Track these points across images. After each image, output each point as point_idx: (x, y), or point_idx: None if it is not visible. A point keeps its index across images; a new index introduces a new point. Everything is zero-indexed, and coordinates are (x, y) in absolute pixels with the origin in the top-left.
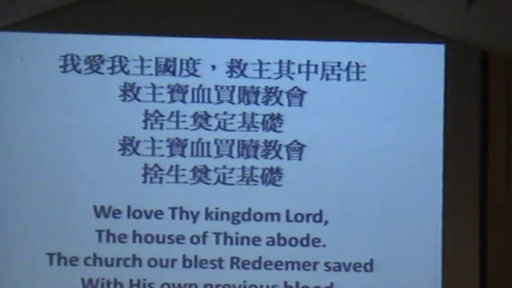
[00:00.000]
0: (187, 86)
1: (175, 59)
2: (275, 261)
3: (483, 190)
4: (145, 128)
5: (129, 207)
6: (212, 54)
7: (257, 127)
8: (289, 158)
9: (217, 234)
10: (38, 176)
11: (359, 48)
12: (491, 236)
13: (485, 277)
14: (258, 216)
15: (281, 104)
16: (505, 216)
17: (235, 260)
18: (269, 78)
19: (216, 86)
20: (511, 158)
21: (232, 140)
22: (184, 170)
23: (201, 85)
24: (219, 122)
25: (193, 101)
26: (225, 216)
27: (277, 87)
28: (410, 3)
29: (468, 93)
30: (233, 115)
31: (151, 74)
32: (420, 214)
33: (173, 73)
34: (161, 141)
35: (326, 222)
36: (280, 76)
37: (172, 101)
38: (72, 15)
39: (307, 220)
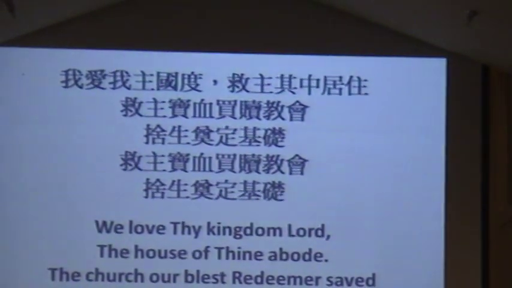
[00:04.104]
0: (188, 100)
1: (176, 73)
2: (277, 276)
3: (485, 203)
4: (147, 142)
5: (131, 222)
6: (214, 68)
7: (259, 142)
8: (291, 173)
9: (219, 249)
10: (40, 191)
11: (361, 63)
12: (492, 249)
13: (488, 286)
14: (260, 231)
15: (283, 119)
16: (507, 230)
17: (237, 275)
18: (271, 92)
19: (218, 101)
20: None
21: (234, 155)
22: (186, 184)
23: (202, 100)
24: (221, 137)
25: (194, 116)
26: (227, 231)
27: (278, 102)
28: (412, 17)
29: (469, 106)
30: (235, 130)
31: (152, 89)
32: (422, 228)
33: (175, 88)
34: (163, 156)
35: (328, 237)
36: (282, 90)
37: (174, 115)
38: (74, 30)
39: (309, 235)
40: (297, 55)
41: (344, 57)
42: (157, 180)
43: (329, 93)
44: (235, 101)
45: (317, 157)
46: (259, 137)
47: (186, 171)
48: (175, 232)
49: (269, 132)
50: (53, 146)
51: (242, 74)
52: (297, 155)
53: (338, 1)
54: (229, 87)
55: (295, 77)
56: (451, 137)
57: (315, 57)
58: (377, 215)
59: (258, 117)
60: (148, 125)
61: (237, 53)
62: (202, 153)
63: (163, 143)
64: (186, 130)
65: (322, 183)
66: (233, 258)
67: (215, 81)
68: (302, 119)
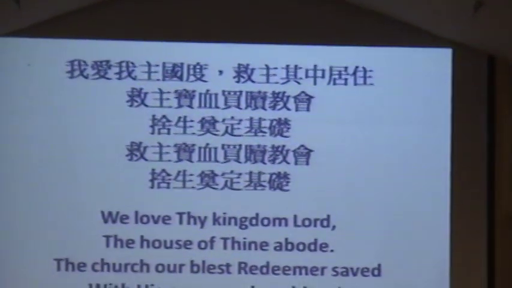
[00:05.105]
0: (194, 91)
1: (182, 64)
2: (283, 266)
3: (490, 194)
4: (152, 133)
5: (136, 212)
6: (219, 59)
7: (264, 132)
8: (296, 163)
9: (224, 239)
10: (46, 182)
11: (366, 53)
12: (499, 240)
13: (493, 282)
14: (265, 221)
15: (288, 109)
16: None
17: (242, 265)
18: (276, 83)
19: (223, 91)
20: None
21: (240, 145)
22: (191, 175)
23: (208, 90)
24: (227, 127)
25: (200, 106)
26: (232, 221)
27: (284, 92)
28: (417, 8)
29: (475, 97)
30: (240, 120)
31: (158, 79)
32: (428, 219)
33: (180, 78)
34: (168, 146)
35: (334, 227)
36: (288, 81)
37: (180, 106)
38: (79, 21)
39: (315, 225)
40: (303, 45)
41: (349, 47)
42: (163, 170)
43: (334, 83)
44: (240, 92)
45: (322, 147)
46: (264, 127)
47: (191, 162)
48: (180, 222)
49: (274, 122)
50: (58, 136)
51: (248, 65)
52: (302, 146)
53: None
54: (234, 77)
55: (300, 68)
56: (456, 128)
57: (321, 48)
58: (382, 205)
59: (263, 108)
60: (154, 116)
61: (243, 44)
62: (207, 144)
63: (168, 133)
64: (192, 120)
65: (327, 174)
66: (239, 248)
67: (221, 72)
68: (307, 110)
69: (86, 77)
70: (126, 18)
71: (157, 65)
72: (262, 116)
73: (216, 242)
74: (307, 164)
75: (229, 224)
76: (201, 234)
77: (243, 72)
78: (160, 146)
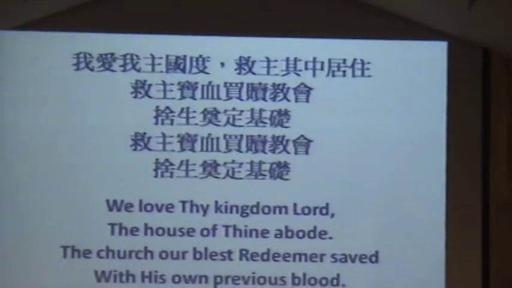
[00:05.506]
0: (197, 83)
1: (185, 56)
2: (283, 253)
3: (485, 183)
4: (156, 124)
5: (140, 201)
6: (221, 51)
7: (265, 123)
8: (296, 153)
9: (226, 227)
10: (52, 171)
11: (364, 46)
12: (493, 226)
13: (488, 266)
14: (266, 210)
15: (288, 100)
16: (507, 208)
17: (244, 252)
18: (276, 75)
19: (225, 83)
20: None
21: (241, 135)
22: (194, 164)
23: (210, 82)
24: (228, 118)
25: (202, 98)
26: (234, 209)
27: (284, 84)
28: (414, 2)
29: (470, 89)
30: (241, 111)
31: (161, 72)
32: (424, 207)
33: (183, 70)
34: (172, 136)
35: (332, 215)
36: (288, 73)
37: (183, 97)
38: (85, 15)
39: (314, 213)
40: (302, 38)
41: (348, 40)
42: (166, 160)
43: (333, 75)
44: (242, 83)
45: (321, 137)
46: (265, 118)
47: (194, 152)
48: (183, 210)
49: (275, 113)
50: (64, 127)
51: (249, 57)
52: (302, 136)
53: None
54: (236, 69)
55: (300, 60)
56: (452, 118)
57: (319, 41)
58: (380, 194)
59: (264, 99)
60: (157, 107)
61: (244, 37)
62: (210, 134)
63: (172, 124)
64: (194, 111)
65: (326, 163)
66: (240, 236)
67: (222, 64)
68: (307, 101)
69: (92, 69)
70: (131, 12)
71: (160, 58)
72: (262, 107)
73: (218, 230)
74: (307, 153)
75: (231, 212)
76: (204, 222)
77: (244, 64)
78: (164, 136)
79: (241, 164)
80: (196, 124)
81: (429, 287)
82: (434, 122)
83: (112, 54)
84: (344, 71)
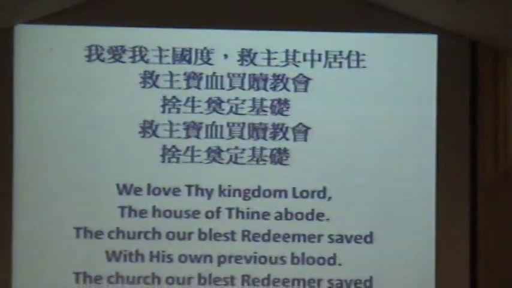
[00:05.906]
0: (201, 73)
1: (190, 48)
2: (283, 234)
3: (473, 170)
4: (163, 112)
5: (149, 185)
6: (225, 44)
7: (266, 111)
8: (295, 140)
9: (229, 209)
10: (66, 157)
11: (359, 39)
12: (481, 210)
13: (476, 246)
14: (267, 193)
15: (288, 90)
16: (493, 192)
17: (246, 233)
18: (277, 66)
19: (228, 74)
20: (499, 141)
21: (243, 123)
22: (199, 150)
23: (214, 73)
24: (231, 107)
25: (207, 88)
26: (236, 193)
27: (284, 75)
28: None
29: (459, 80)
30: (244, 100)
31: (168, 63)
32: (415, 190)
33: (189, 62)
34: (178, 124)
35: (329, 198)
36: (287, 64)
37: (188, 87)
38: (97, 9)
39: (312, 196)
40: (301, 32)
41: (343, 33)
42: (173, 146)
43: (330, 66)
44: (244, 74)
45: (319, 125)
46: (266, 106)
47: (199, 138)
48: (189, 194)
49: (275, 102)
50: (77, 115)
51: (250, 49)
52: (300, 123)
53: None
54: (238, 61)
55: (299, 52)
56: (441, 107)
57: (317, 34)
58: (374, 178)
59: (265, 89)
60: (164, 96)
61: (246, 30)
62: (214, 122)
63: (178, 112)
64: (199, 100)
65: (324, 149)
66: (242, 217)
67: (226, 56)
68: (305, 90)
69: (103, 61)
70: (139, 6)
71: (167, 50)
72: (263, 97)
73: (221, 212)
74: (305, 140)
75: (234, 195)
76: (208, 205)
77: (246, 56)
78: (171, 124)
79: (243, 150)
80: (201, 112)
81: (420, 266)
82: (425, 110)
83: (122, 46)
84: (340, 62)
